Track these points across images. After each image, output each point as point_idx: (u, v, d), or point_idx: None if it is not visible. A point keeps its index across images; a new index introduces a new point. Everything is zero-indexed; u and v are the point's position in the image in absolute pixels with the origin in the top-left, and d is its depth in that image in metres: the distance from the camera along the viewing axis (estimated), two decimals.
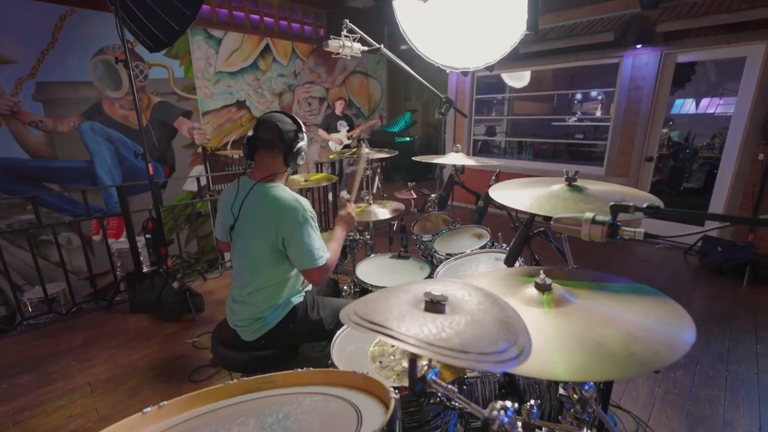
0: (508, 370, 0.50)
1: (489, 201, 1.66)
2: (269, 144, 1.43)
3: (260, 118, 1.46)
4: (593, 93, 7.42)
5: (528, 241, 1.27)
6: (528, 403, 0.82)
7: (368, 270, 1.85)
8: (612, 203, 0.78)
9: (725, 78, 6.74)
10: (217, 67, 6.91)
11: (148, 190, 2.88)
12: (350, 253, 2.28)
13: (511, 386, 1.14)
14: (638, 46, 3.90)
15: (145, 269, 3.20)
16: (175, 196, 6.50)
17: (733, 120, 3.72)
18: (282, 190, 1.42)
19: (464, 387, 1.19)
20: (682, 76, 5.81)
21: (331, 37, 1.95)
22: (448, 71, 5.89)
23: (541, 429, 0.85)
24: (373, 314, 0.58)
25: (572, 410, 0.84)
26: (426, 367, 0.63)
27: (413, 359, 0.61)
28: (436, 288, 0.74)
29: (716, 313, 2.79)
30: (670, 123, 6.66)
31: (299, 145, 1.46)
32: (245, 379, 1.00)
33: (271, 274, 1.42)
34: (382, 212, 2.06)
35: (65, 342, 2.54)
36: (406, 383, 0.95)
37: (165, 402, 0.88)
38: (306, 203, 1.41)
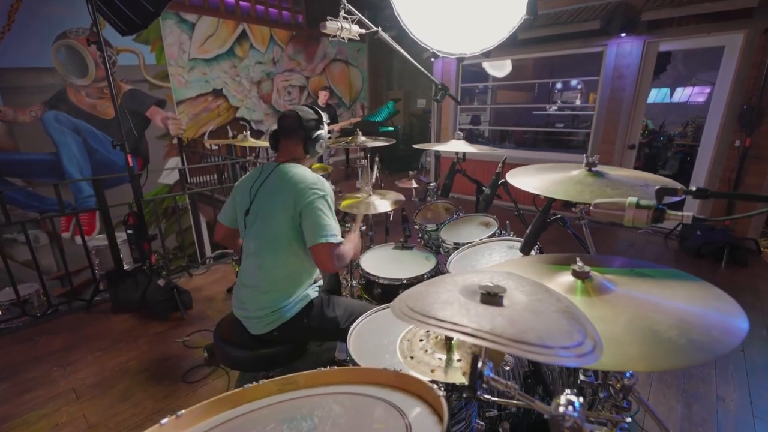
0: (589, 364, 0.47)
1: (496, 188, 1.63)
2: (289, 131, 1.48)
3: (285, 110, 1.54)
4: (573, 82, 7.55)
5: (545, 228, 1.25)
6: (565, 393, 0.80)
7: (373, 262, 1.80)
8: (658, 187, 0.75)
9: (694, 68, 7.00)
10: (191, 53, 6.57)
11: (122, 184, 2.70)
12: None
13: (537, 375, 1.13)
14: (623, 34, 3.96)
15: (126, 267, 3.03)
16: (151, 190, 6.21)
17: (711, 108, 3.85)
18: (303, 169, 1.45)
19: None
20: (658, 66, 5.98)
21: (329, 18, 1.85)
22: (433, 58, 5.79)
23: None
24: (433, 310, 0.53)
25: (611, 399, 0.83)
26: (481, 364, 0.59)
27: (476, 357, 0.57)
28: (484, 279, 0.70)
29: None
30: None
31: (318, 132, 1.50)
32: (265, 381, 0.93)
33: (293, 257, 1.39)
34: (382, 204, 2.00)
35: (43, 346, 2.38)
36: (442, 378, 0.91)
37: (183, 411, 0.81)
38: (327, 185, 1.43)
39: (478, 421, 1.12)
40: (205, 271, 3.42)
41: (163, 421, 0.78)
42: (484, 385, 0.60)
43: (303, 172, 1.42)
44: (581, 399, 0.57)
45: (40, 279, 2.78)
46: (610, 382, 0.81)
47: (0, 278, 3.12)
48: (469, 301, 0.59)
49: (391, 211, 2.08)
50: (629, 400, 0.81)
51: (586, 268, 0.83)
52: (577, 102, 7.57)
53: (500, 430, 1.18)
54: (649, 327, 0.67)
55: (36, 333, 2.53)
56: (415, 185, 2.10)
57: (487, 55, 2.27)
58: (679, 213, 0.74)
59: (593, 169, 1.16)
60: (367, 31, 2.10)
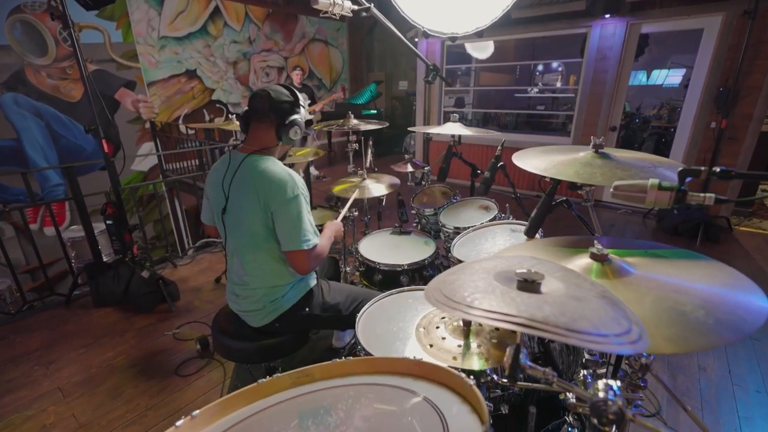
0: (641, 351, 0.46)
1: (495, 171, 1.61)
2: (260, 114, 1.33)
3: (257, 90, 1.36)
4: (554, 64, 7.59)
5: (551, 211, 1.25)
6: (582, 373, 0.81)
7: (371, 248, 1.77)
8: (680, 168, 0.75)
9: (669, 52, 7.15)
10: (160, 31, 6.19)
11: (91, 171, 2.53)
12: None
13: (547, 356, 1.15)
14: (607, 15, 3.97)
15: (105, 259, 2.89)
16: (125, 177, 5.92)
17: (688, 90, 3.95)
18: (273, 163, 1.30)
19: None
20: (638, 48, 6.08)
21: None
22: (416, 38, 5.68)
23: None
24: (475, 300, 0.51)
25: (627, 377, 0.84)
26: (516, 347, 0.58)
27: (518, 346, 0.55)
28: (513, 264, 0.68)
29: None
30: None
31: (293, 117, 1.33)
32: (279, 375, 0.90)
33: (272, 251, 1.31)
34: (377, 188, 1.97)
35: (21, 345, 2.26)
36: (464, 365, 0.91)
37: (197, 411, 0.77)
38: (299, 179, 1.30)
39: (488, 403, 1.13)
40: (190, 261, 3.31)
41: (178, 423, 0.74)
42: (529, 373, 0.59)
43: (273, 169, 1.27)
44: (618, 383, 0.57)
45: (13, 274, 2.62)
46: (627, 361, 0.82)
47: None
48: (508, 288, 0.57)
49: (384, 195, 2.05)
50: (646, 379, 0.83)
51: (605, 251, 0.83)
52: (558, 84, 7.64)
53: (501, 409, 1.20)
54: (675, 308, 0.67)
55: (11, 331, 2.39)
56: (410, 169, 2.06)
57: (480, 35, 2.22)
58: (701, 194, 0.74)
59: (600, 150, 1.15)
60: (360, 7, 2.02)
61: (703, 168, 0.74)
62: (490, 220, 1.60)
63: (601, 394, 0.55)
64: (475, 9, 2.29)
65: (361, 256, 1.67)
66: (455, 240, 1.48)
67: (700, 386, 1.88)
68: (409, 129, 2.03)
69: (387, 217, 2.53)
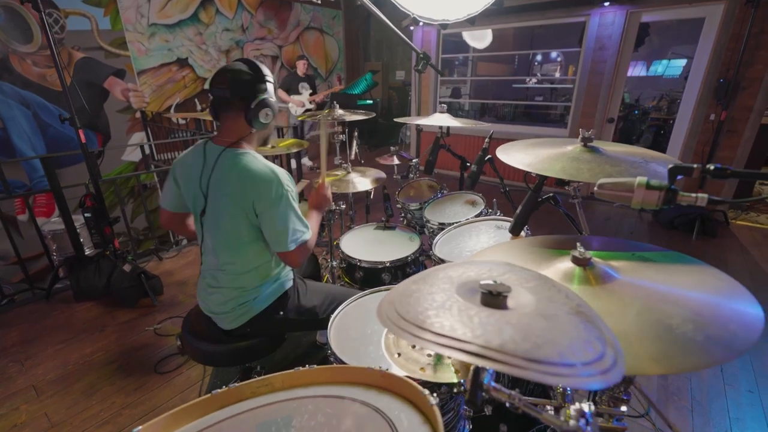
0: (615, 381, 0.40)
1: (482, 165, 1.54)
2: (224, 102, 1.20)
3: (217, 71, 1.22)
4: (553, 54, 7.45)
5: (536, 208, 1.19)
6: (561, 386, 0.75)
7: (353, 243, 1.70)
8: (671, 165, 0.68)
9: (670, 42, 7.02)
10: (150, 18, 6.02)
11: (81, 161, 2.44)
12: (327, 225, 2.11)
13: None
14: (606, 3, 3.85)
15: (87, 252, 2.82)
16: (114, 168, 5.82)
17: (688, 81, 3.85)
18: (253, 158, 1.20)
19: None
20: (637, 38, 5.96)
21: None
22: (412, 27, 5.54)
23: None
24: (428, 318, 0.44)
25: (609, 391, 0.79)
26: (483, 371, 0.52)
27: (477, 368, 0.49)
28: (481, 273, 0.61)
29: None
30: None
31: (260, 98, 1.19)
32: (237, 384, 0.84)
33: (254, 253, 1.24)
34: (362, 182, 1.89)
35: None
36: (433, 378, 0.85)
37: (139, 427, 0.71)
38: (283, 175, 1.20)
39: (465, 408, 1.08)
40: (176, 254, 3.24)
41: None
42: (493, 395, 0.52)
43: (255, 166, 1.17)
44: (592, 407, 0.51)
45: None
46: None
47: None
48: (469, 304, 0.50)
49: (371, 189, 1.98)
50: (629, 392, 0.77)
51: (588, 254, 0.76)
52: (557, 75, 7.51)
53: (485, 411, 1.14)
54: (662, 321, 0.61)
55: None
56: (396, 162, 1.98)
57: (471, 21, 2.13)
58: (693, 195, 0.67)
59: (589, 144, 1.08)
60: None
61: (696, 165, 0.67)
62: (476, 216, 1.53)
63: (572, 423, 0.49)
64: None
65: (342, 252, 1.60)
66: (437, 237, 1.42)
67: (691, 385, 1.84)
68: (395, 119, 1.94)
69: (375, 210, 2.46)
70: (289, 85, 5.32)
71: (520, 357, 0.38)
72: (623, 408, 0.79)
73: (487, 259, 0.78)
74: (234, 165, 1.17)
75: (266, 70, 1.23)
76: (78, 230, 2.71)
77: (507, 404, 0.52)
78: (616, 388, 0.78)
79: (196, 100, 6.75)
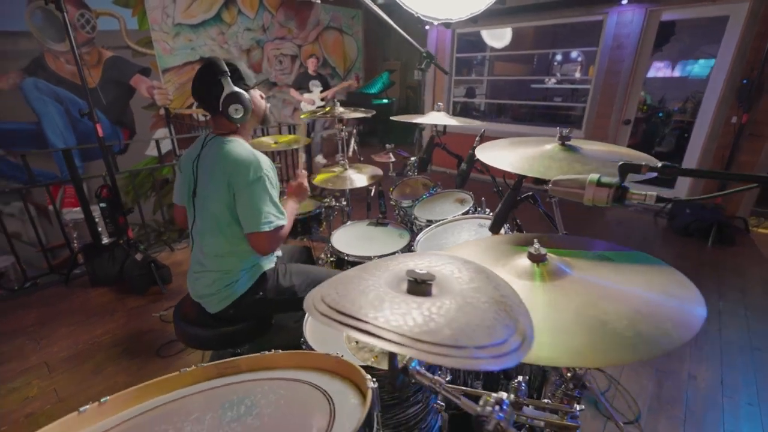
0: (510, 365, 0.41)
1: (472, 163, 1.55)
2: (204, 105, 1.30)
3: None
4: (573, 54, 7.26)
5: (515, 206, 1.19)
6: (515, 380, 0.76)
7: (344, 238, 1.74)
8: (621, 162, 0.68)
9: (700, 41, 6.72)
10: (175, 18, 6.25)
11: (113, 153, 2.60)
12: (326, 220, 2.16)
13: None
14: (624, 2, 3.75)
15: (104, 240, 2.97)
16: (138, 162, 6.07)
17: (710, 82, 3.71)
18: (238, 144, 1.27)
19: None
20: (661, 38, 5.75)
21: None
22: (427, 26, 5.55)
23: (528, 406, 0.80)
24: (345, 301, 0.47)
25: (563, 387, 0.79)
26: (408, 357, 0.54)
27: (392, 353, 0.51)
28: (421, 264, 0.64)
29: (682, 271, 2.86)
30: (644, 85, 6.66)
31: (225, 94, 1.23)
32: (205, 364, 0.89)
33: (235, 237, 1.30)
34: (359, 178, 1.92)
35: (18, 320, 2.35)
36: (386, 366, 0.87)
37: (107, 397, 0.76)
38: (264, 161, 1.26)
39: (438, 402, 1.10)
40: (187, 245, 3.37)
41: (83, 408, 0.73)
42: (412, 379, 0.55)
43: (236, 150, 1.23)
44: (512, 396, 0.53)
45: (13, 251, 2.73)
46: (568, 375, 0.77)
47: None
48: (394, 291, 0.53)
49: (371, 186, 2.01)
50: (581, 390, 0.77)
51: (543, 251, 0.77)
52: (577, 75, 7.32)
53: None
54: (597, 317, 0.61)
55: (11, 307, 2.50)
56: (392, 159, 2.01)
57: (474, 20, 2.12)
58: (642, 192, 0.67)
59: (567, 143, 1.08)
60: None
61: (643, 163, 0.67)
62: (464, 214, 1.54)
63: (488, 408, 0.50)
64: None
65: (332, 246, 1.64)
66: (420, 234, 1.44)
67: (687, 395, 1.79)
68: (391, 118, 1.97)
69: (375, 206, 2.49)
70: (301, 84, 5.42)
71: (410, 337, 0.40)
72: (577, 406, 0.79)
73: (431, 252, 0.80)
74: (219, 149, 1.25)
75: (223, 65, 1.24)
76: (96, 220, 2.86)
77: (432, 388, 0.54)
78: (566, 384, 0.78)
79: None
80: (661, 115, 6.50)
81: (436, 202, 1.76)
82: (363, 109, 2.16)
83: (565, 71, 7.72)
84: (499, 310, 0.49)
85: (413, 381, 0.54)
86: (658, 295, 0.66)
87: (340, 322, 0.43)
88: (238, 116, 1.26)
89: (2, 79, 4.97)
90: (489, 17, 4.76)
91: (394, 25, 2.18)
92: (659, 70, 7.19)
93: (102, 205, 2.58)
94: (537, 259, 0.77)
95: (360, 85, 8.86)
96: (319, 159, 6.19)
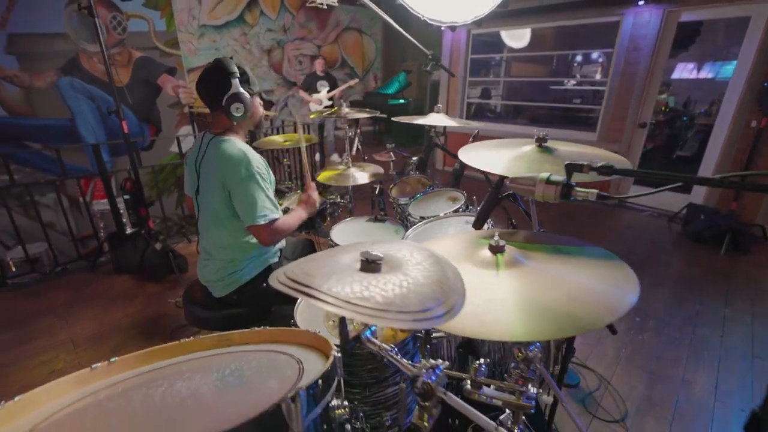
0: (430, 327, 0.49)
1: (465, 163, 1.61)
2: (206, 102, 1.39)
3: None
4: (594, 55, 7.14)
5: (497, 204, 1.25)
6: (477, 362, 0.84)
7: (343, 233, 1.83)
8: (567, 162, 0.74)
9: (729, 41, 6.48)
10: (200, 19, 6.51)
11: (140, 149, 2.77)
12: (330, 216, 2.26)
13: (468, 346, 1.17)
14: (640, 2, 3.70)
15: (128, 230, 3.18)
16: (164, 158, 6.36)
17: (730, 84, 3.61)
18: (231, 144, 1.36)
19: (428, 346, 1.22)
20: (686, 38, 5.59)
21: None
22: (443, 27, 5.59)
23: (490, 386, 0.87)
24: (300, 274, 0.56)
25: (518, 369, 0.86)
26: (363, 327, 0.63)
27: (343, 318, 0.60)
28: (381, 249, 0.72)
29: (690, 277, 2.84)
30: (669, 87, 6.48)
31: (230, 92, 1.32)
32: (202, 336, 1.00)
33: (236, 230, 1.41)
34: (361, 176, 2.02)
35: (48, 301, 2.57)
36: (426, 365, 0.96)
37: (116, 358, 0.89)
38: (255, 158, 1.35)
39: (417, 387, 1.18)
40: None
41: (95, 365, 0.86)
42: (366, 346, 0.63)
43: (230, 149, 1.33)
44: (446, 364, 0.61)
45: (46, 238, 2.96)
46: (519, 355, 0.83)
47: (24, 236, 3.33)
48: (349, 269, 0.62)
49: (375, 184, 2.10)
50: (534, 371, 0.84)
51: (501, 243, 0.84)
52: (598, 76, 7.19)
53: None
54: (536, 299, 0.69)
55: (43, 289, 2.72)
56: (393, 158, 2.09)
57: (479, 24, 2.18)
58: (585, 190, 0.73)
59: (543, 145, 1.14)
60: None
61: (585, 163, 0.73)
62: (455, 211, 1.61)
63: (422, 371, 0.59)
64: None
65: (331, 240, 1.74)
66: (409, 230, 1.51)
67: (678, 398, 1.79)
68: (392, 119, 2.05)
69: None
70: (309, 84, 5.58)
71: (344, 301, 0.49)
72: (531, 387, 0.86)
73: (398, 241, 0.88)
74: (217, 148, 1.36)
75: (233, 67, 1.35)
76: (121, 211, 3.07)
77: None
78: (522, 366, 0.85)
79: None
80: (686, 119, 6.31)
81: (430, 200, 1.83)
82: (369, 109, 2.25)
83: (586, 72, 7.59)
84: (435, 287, 0.57)
85: (364, 348, 0.63)
86: (598, 283, 0.72)
87: (291, 288, 0.52)
88: (238, 115, 1.35)
89: (40, 78, 5.31)
90: (504, 18, 4.77)
91: (399, 28, 2.27)
92: (685, 71, 6.98)
93: (126, 197, 2.77)
94: (496, 250, 0.84)
95: (378, 85, 8.97)
96: (335, 158, 6.33)
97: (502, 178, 1.24)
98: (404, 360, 0.60)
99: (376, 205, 2.07)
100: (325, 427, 0.65)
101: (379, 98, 7.95)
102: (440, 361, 0.60)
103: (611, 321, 0.63)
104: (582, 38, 6.25)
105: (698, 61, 6.97)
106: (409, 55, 9.66)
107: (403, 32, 2.23)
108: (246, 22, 7.04)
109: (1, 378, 1.91)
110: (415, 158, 2.22)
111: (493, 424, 0.69)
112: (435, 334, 1.23)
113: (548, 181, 0.76)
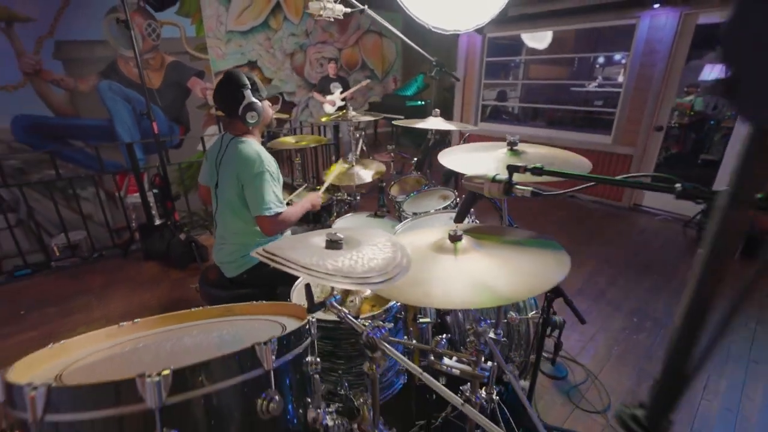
0: (367, 288, 0.63)
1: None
2: (223, 111, 1.59)
3: None
4: (617, 56, 7.01)
5: (474, 202, 1.37)
6: (438, 336, 0.98)
7: (344, 226, 1.99)
8: (508, 164, 0.87)
9: None
10: (228, 25, 6.85)
11: (170, 147, 3.03)
12: (337, 211, 2.42)
13: (442, 326, 1.30)
14: (656, 5, 3.68)
15: (157, 222, 3.46)
16: (192, 155, 6.74)
17: None
18: (248, 145, 1.56)
19: (410, 329, 1.36)
20: (714, 38, 5.44)
21: None
22: (455, 33, 5.71)
23: (452, 358, 1.01)
24: (274, 248, 0.72)
25: (473, 342, 0.98)
26: (330, 294, 0.78)
27: (308, 285, 0.75)
28: (349, 233, 0.87)
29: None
30: (698, 89, 6.30)
31: (245, 102, 1.51)
32: (209, 307, 1.18)
33: (248, 219, 1.60)
34: (365, 174, 2.17)
35: (86, 282, 2.86)
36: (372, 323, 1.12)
37: (139, 319, 1.07)
38: (267, 159, 1.55)
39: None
40: None
41: (123, 323, 1.05)
42: (331, 310, 0.78)
43: (247, 149, 1.52)
44: (390, 326, 0.75)
45: (86, 227, 3.28)
46: (469, 329, 0.96)
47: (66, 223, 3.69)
48: (316, 246, 0.77)
49: (385, 184, 2.26)
50: (484, 344, 0.96)
51: (459, 233, 0.97)
52: (620, 78, 7.06)
53: None
54: (476, 277, 0.82)
55: (82, 271, 3.03)
56: (393, 159, 2.24)
57: (480, 31, 2.31)
58: (523, 188, 0.85)
59: (514, 148, 1.25)
60: (353, 9, 2.22)
61: (521, 165, 0.86)
62: (444, 208, 1.74)
63: (370, 329, 0.73)
64: (473, 7, 2.37)
65: None
66: (399, 225, 1.65)
67: None
68: (393, 122, 2.19)
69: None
70: (323, 87, 5.82)
71: (300, 265, 0.63)
72: (483, 358, 0.98)
73: (371, 229, 1.02)
74: (235, 148, 1.56)
75: (245, 79, 1.55)
76: (151, 204, 3.35)
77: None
78: (476, 339, 0.97)
79: None
80: (713, 122, 6.12)
81: (424, 198, 1.96)
82: (374, 112, 2.41)
83: (608, 74, 7.46)
84: (381, 263, 0.72)
85: (329, 311, 0.78)
86: (533, 266, 0.85)
87: (264, 257, 0.68)
88: (252, 121, 1.56)
89: (83, 81, 5.75)
90: (519, 22, 4.81)
91: (404, 37, 2.41)
92: (713, 71, 6.75)
93: (155, 191, 3.04)
94: (454, 239, 0.97)
95: (397, 87, 9.11)
96: (350, 157, 6.52)
97: (510, 177, 1.36)
98: (357, 321, 0.75)
99: (378, 201, 2.22)
100: (297, 375, 0.81)
101: (397, 100, 8.09)
102: (389, 324, 0.74)
103: (524, 298, 0.75)
104: (602, 40, 6.18)
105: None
106: (427, 58, 9.75)
107: (406, 39, 2.38)
108: (270, 27, 7.33)
109: (44, 344, 2.17)
110: (416, 159, 2.35)
111: (454, 396, 0.82)
112: (421, 320, 1.37)
113: (493, 180, 0.88)
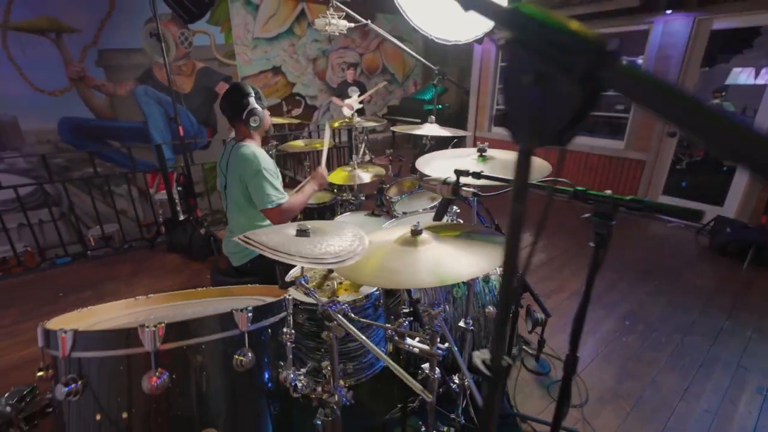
0: (319, 267, 0.78)
1: None
2: (228, 116, 1.80)
3: None
4: (639, 61, 6.88)
5: (450, 202, 1.50)
6: (401, 318, 1.13)
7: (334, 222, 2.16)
8: (455, 168, 1.01)
9: None
10: (254, 33, 7.21)
11: (195, 149, 3.31)
12: (339, 210, 2.60)
13: (415, 313, 1.43)
14: (668, 11, 3.66)
15: (181, 217, 3.76)
16: (217, 156, 7.14)
17: (766, 90, 3.47)
18: (247, 147, 1.75)
19: (392, 317, 1.51)
20: (741, 41, 5.29)
21: (320, 15, 2.17)
22: (456, 44, 5.79)
23: (414, 339, 1.15)
24: (251, 235, 0.89)
25: (428, 325, 1.12)
26: (300, 274, 0.94)
27: (280, 264, 0.92)
28: (319, 225, 1.03)
29: (699, 288, 2.82)
30: (723, 94, 6.11)
31: (249, 108, 1.73)
32: (211, 288, 1.38)
33: (251, 214, 1.80)
34: (365, 175, 2.34)
35: (117, 270, 3.17)
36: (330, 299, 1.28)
37: (152, 294, 1.28)
38: (264, 158, 1.73)
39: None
40: None
41: (139, 297, 1.26)
42: (303, 288, 0.95)
43: (246, 151, 1.71)
44: (348, 299, 0.90)
45: (118, 220, 3.61)
46: (424, 311, 1.10)
47: (102, 217, 4.06)
48: (289, 234, 0.94)
49: (386, 185, 2.43)
50: (438, 326, 1.10)
51: (420, 228, 1.11)
52: None
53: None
54: (428, 264, 0.96)
55: (114, 261, 3.34)
56: (390, 163, 2.40)
57: (479, 42, 2.44)
58: (467, 189, 0.99)
59: (483, 154, 1.38)
60: (357, 24, 2.39)
61: (465, 169, 0.99)
62: (431, 208, 1.87)
63: (327, 303, 0.89)
64: (473, 18, 2.50)
65: None
66: (386, 223, 1.80)
67: (643, 394, 1.90)
68: (392, 128, 2.34)
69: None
70: (341, 91, 6.06)
71: (268, 247, 0.80)
72: (440, 342, 1.12)
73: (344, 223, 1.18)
74: (236, 152, 1.76)
75: (249, 89, 1.76)
76: (176, 200, 3.65)
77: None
78: (430, 322, 1.11)
79: (283, 102, 7.84)
80: None
81: (415, 199, 2.10)
82: (380, 116, 2.57)
83: None
84: (339, 249, 0.87)
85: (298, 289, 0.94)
86: (477, 258, 0.98)
87: (242, 241, 0.85)
88: (255, 125, 1.77)
89: (121, 86, 6.22)
90: None
91: (407, 49, 2.56)
92: (739, 75, 6.52)
93: (179, 188, 3.32)
94: (415, 233, 1.12)
95: (416, 91, 9.25)
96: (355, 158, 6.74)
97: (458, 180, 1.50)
98: (318, 296, 0.90)
99: (376, 202, 2.38)
100: (273, 342, 0.98)
101: (415, 103, 8.22)
102: (343, 298, 0.90)
103: (471, 277, 0.88)
104: (632, 42, 6.09)
105: (758, 66, 6.49)
106: (449, 61, 9.84)
107: (407, 50, 2.52)
108: (294, 34, 7.65)
109: None
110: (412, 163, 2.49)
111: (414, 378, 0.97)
112: (404, 310, 1.51)
113: (444, 182, 1.02)
